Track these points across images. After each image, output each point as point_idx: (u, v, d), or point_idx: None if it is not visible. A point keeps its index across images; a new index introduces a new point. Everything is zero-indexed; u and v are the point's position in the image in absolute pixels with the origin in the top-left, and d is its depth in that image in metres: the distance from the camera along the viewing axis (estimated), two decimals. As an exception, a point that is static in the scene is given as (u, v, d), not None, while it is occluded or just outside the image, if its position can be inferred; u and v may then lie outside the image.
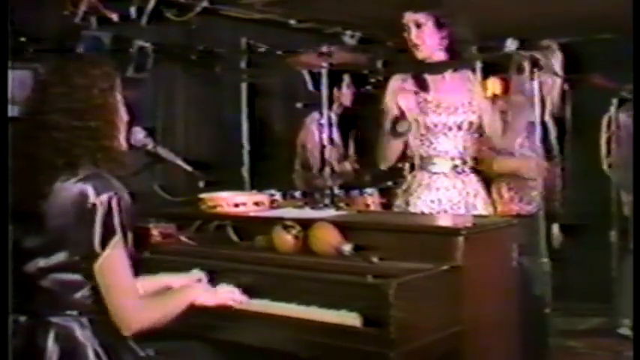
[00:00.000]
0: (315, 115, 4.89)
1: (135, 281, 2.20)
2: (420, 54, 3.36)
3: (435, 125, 3.33)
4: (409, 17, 3.33)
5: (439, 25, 3.32)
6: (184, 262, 2.83)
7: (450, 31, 3.33)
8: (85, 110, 2.16)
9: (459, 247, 2.46)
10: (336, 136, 4.59)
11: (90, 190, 2.09)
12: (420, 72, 3.37)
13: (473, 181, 3.40)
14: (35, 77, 2.47)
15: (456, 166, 3.35)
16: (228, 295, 2.47)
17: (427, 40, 3.33)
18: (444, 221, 3.06)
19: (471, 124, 3.38)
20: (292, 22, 5.25)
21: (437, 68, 3.39)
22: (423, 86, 3.35)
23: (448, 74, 3.41)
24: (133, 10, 4.33)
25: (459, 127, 3.36)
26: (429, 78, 3.38)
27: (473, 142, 3.40)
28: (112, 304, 2.11)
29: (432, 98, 3.34)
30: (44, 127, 2.15)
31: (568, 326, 4.61)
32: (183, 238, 3.02)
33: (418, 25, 3.32)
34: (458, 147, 3.36)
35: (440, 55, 3.37)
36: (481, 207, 3.39)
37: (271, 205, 3.20)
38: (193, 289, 2.44)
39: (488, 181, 3.64)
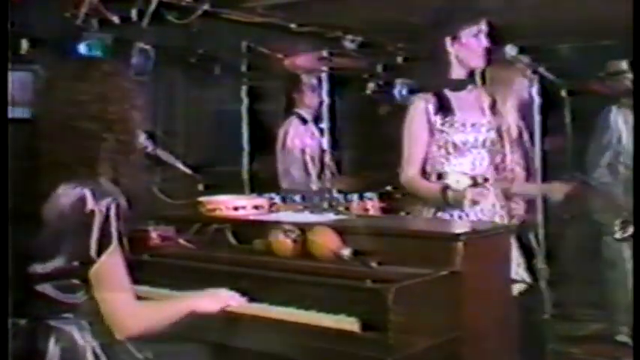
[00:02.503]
0: (294, 120, 4.97)
1: (130, 286, 2.19)
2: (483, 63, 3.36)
3: (464, 143, 3.28)
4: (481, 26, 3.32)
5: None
6: (183, 265, 2.84)
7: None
8: (114, 121, 2.16)
9: (458, 252, 2.46)
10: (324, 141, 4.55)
11: (88, 196, 2.08)
12: (443, 89, 3.32)
13: (493, 198, 3.37)
14: (48, 77, 2.45)
15: (478, 183, 3.29)
16: (228, 299, 2.47)
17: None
18: (443, 226, 3.06)
19: (492, 141, 3.35)
20: (293, 25, 5.24)
21: (461, 84, 3.36)
22: (447, 107, 3.30)
23: (468, 90, 3.38)
24: (134, 13, 4.33)
25: (483, 144, 3.32)
26: (451, 95, 3.32)
27: (492, 158, 3.37)
28: (106, 309, 2.11)
29: (458, 118, 3.28)
30: (71, 130, 2.13)
31: (566, 332, 4.60)
32: (182, 241, 3.02)
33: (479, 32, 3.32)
34: (481, 164, 3.32)
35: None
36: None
37: (271, 208, 3.20)
38: (193, 297, 2.43)
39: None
